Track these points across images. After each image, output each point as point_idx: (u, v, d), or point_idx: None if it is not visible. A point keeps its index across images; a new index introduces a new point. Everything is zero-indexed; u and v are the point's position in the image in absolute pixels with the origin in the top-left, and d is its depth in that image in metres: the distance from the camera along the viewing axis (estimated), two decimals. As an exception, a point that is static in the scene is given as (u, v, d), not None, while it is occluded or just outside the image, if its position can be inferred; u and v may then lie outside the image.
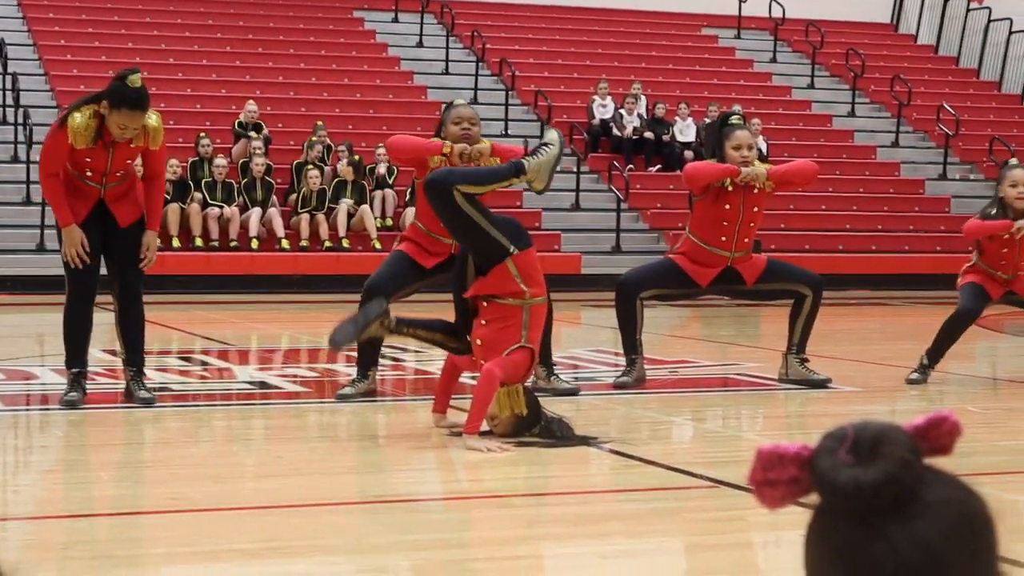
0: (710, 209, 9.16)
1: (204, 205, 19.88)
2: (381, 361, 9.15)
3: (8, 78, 22.38)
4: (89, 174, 8.26)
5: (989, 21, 29.32)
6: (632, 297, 9.29)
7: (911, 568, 1.46)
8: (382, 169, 20.98)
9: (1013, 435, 8.12)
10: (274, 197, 20.45)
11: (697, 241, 9.24)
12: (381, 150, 20.75)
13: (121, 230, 8.39)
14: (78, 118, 8.08)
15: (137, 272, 8.44)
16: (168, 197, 19.46)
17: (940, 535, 1.47)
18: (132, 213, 8.41)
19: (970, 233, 9.71)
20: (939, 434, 1.54)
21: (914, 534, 1.47)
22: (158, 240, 8.59)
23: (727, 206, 9.12)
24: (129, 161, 8.33)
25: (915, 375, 9.75)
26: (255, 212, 20.02)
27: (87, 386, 8.49)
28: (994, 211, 9.61)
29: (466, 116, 8.65)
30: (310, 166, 20.66)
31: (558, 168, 7.57)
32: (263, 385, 9.63)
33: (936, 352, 9.73)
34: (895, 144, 25.88)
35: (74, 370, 8.39)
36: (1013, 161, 9.97)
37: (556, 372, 9.07)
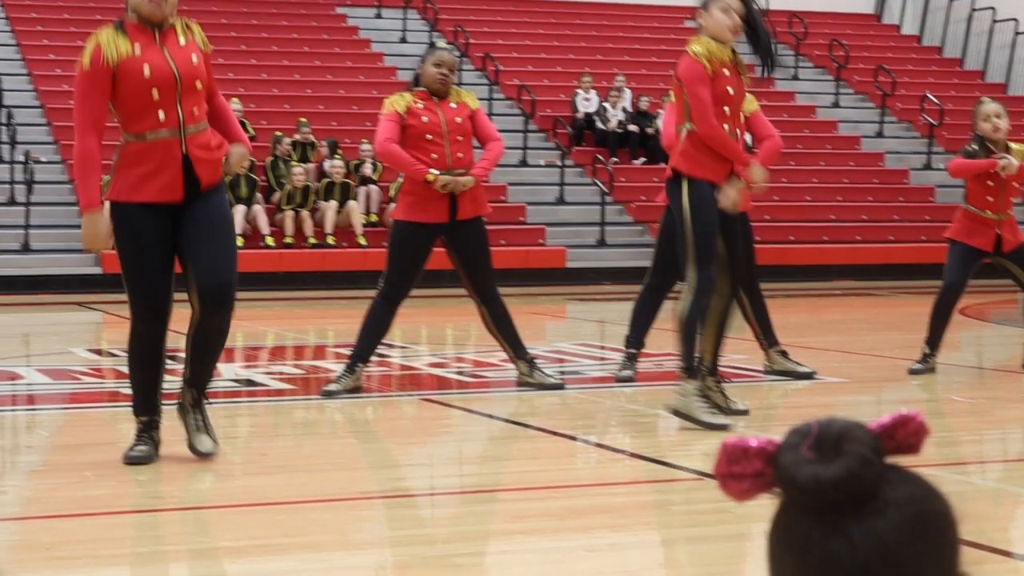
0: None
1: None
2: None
3: (-9, 78, 22.35)
4: (159, 113, 6.24)
5: (972, 10, 29.35)
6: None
7: (868, 565, 1.47)
8: (367, 167, 20.96)
9: (999, 424, 8.14)
10: (258, 194, 20.43)
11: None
12: (366, 147, 20.73)
13: (201, 197, 6.42)
14: (99, 34, 6.34)
15: (231, 261, 6.48)
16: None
17: (899, 533, 1.48)
18: (215, 172, 6.46)
19: (955, 173, 9.91)
20: (906, 433, 1.54)
21: (872, 532, 1.47)
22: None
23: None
24: (197, 72, 6.36)
25: (918, 365, 9.78)
26: (239, 209, 19.99)
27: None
28: (975, 147, 9.71)
29: (447, 61, 8.75)
30: (294, 163, 20.66)
31: None
32: (249, 383, 9.62)
33: (934, 337, 9.79)
34: (879, 134, 25.89)
35: (142, 418, 6.61)
36: (985, 98, 10.06)
37: (540, 366, 9.08)
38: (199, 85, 6.33)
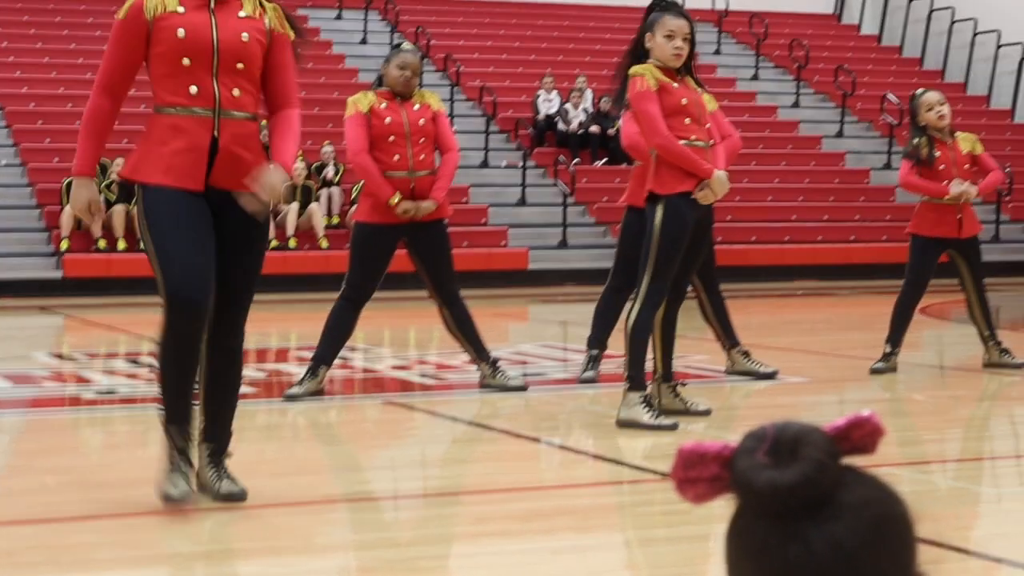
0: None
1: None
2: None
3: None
4: (191, 87, 5.45)
5: (932, 10, 29.49)
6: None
7: (826, 569, 1.47)
8: (329, 169, 20.93)
9: (959, 423, 8.17)
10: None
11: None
12: (328, 148, 20.71)
13: (235, 208, 5.52)
14: None
15: (251, 280, 5.66)
16: (113, 198, 19.37)
17: (856, 536, 1.48)
18: (241, 177, 5.51)
19: (906, 187, 10.02)
20: (861, 435, 1.55)
21: (830, 535, 1.48)
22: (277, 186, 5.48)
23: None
24: (244, 51, 5.52)
25: (879, 364, 9.81)
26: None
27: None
28: (917, 140, 9.77)
29: (410, 63, 8.75)
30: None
31: None
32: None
33: (895, 336, 9.83)
34: (840, 134, 25.98)
35: (173, 426, 5.59)
36: (920, 90, 10.12)
37: (502, 368, 9.08)
38: (240, 65, 5.47)
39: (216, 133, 5.44)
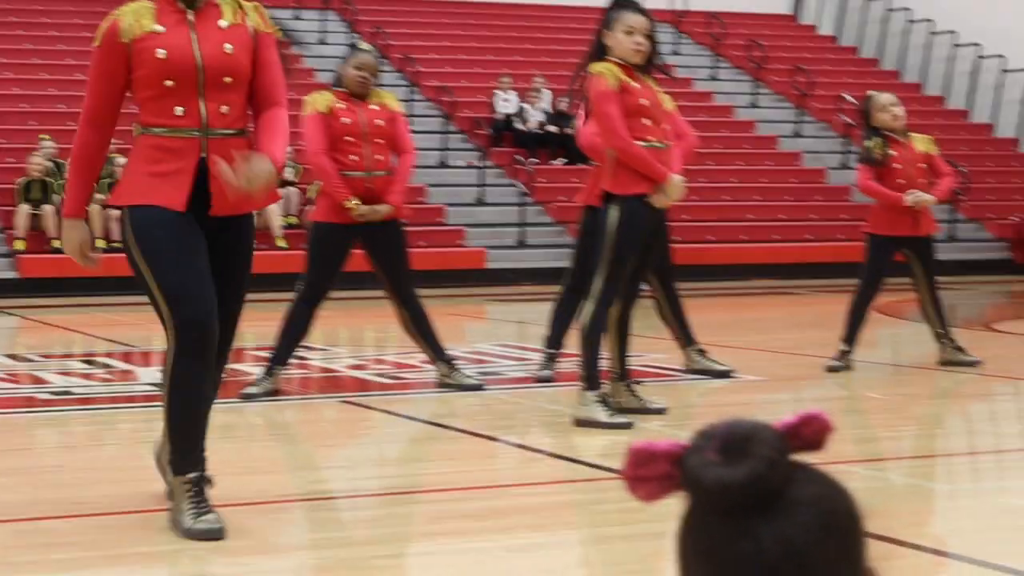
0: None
1: (105, 207, 19.68)
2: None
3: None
4: (176, 109, 5.17)
5: (888, 11, 29.61)
6: None
7: (776, 565, 1.48)
8: (287, 170, 20.87)
9: (914, 421, 8.22)
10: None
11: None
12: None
13: (229, 221, 5.28)
14: (122, 8, 5.28)
15: (240, 294, 5.36)
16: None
17: (805, 533, 1.49)
18: (239, 198, 5.17)
19: (864, 192, 10.09)
20: (811, 432, 1.56)
21: (780, 532, 1.49)
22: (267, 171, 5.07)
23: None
24: (231, 64, 5.22)
25: (835, 363, 9.86)
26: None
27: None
28: (871, 143, 9.82)
29: (368, 64, 8.75)
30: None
31: None
32: (167, 386, 9.55)
33: (851, 335, 9.88)
34: (797, 134, 26.06)
35: (190, 475, 5.19)
36: (871, 92, 10.17)
37: (459, 367, 9.08)
38: (228, 79, 5.17)
39: (204, 154, 5.14)
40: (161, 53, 5.12)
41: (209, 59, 5.15)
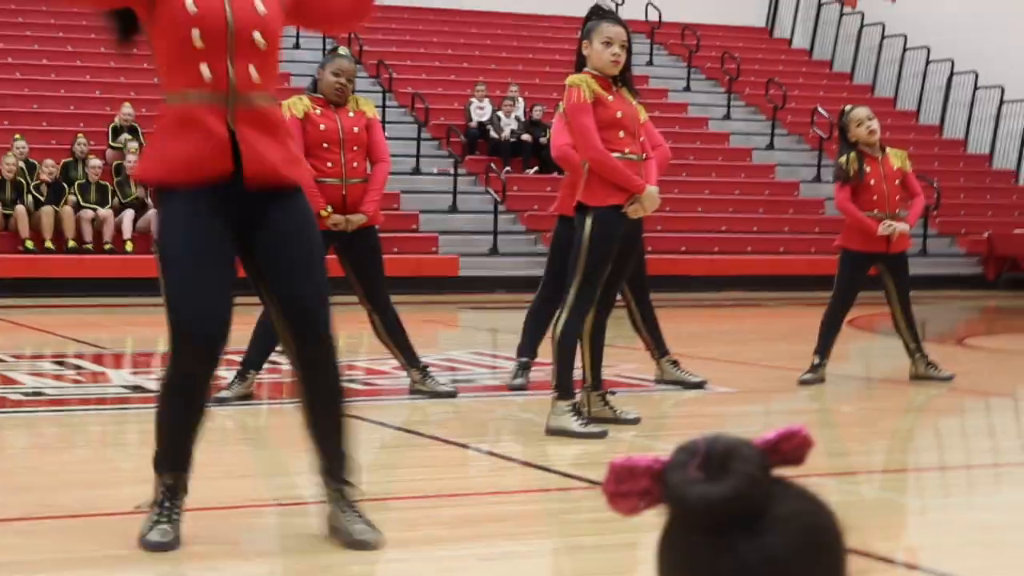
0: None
1: (77, 208, 19.64)
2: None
3: None
4: (203, 68, 4.83)
5: (862, 26, 29.72)
6: None
7: None
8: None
9: (886, 434, 8.23)
10: (150, 199, 20.25)
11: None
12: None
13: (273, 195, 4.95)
14: None
15: (308, 271, 5.05)
16: (42, 199, 19.22)
17: (787, 549, 1.49)
18: (267, 166, 4.89)
19: (841, 211, 10.04)
20: (790, 447, 1.56)
21: (761, 548, 1.49)
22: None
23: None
24: (262, 23, 4.88)
25: (807, 375, 9.87)
26: (128, 214, 19.79)
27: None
28: (845, 159, 9.85)
29: (345, 70, 8.71)
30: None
31: None
32: (138, 389, 9.52)
33: (823, 347, 9.90)
34: (770, 147, 26.13)
35: (164, 476, 5.13)
36: (848, 106, 10.20)
37: (432, 375, 9.08)
38: (260, 40, 4.83)
39: (231, 121, 4.82)
40: (191, 4, 4.78)
41: (239, 15, 4.82)
